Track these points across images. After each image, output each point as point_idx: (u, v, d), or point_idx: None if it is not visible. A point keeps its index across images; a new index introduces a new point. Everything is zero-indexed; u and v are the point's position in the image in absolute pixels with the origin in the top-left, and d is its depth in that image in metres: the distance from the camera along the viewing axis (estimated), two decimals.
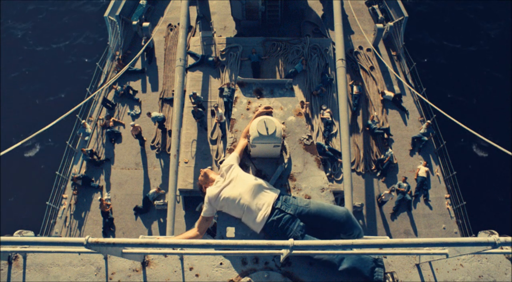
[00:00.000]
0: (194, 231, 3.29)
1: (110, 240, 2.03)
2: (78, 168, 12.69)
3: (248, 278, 2.95)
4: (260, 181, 3.29)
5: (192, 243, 2.09)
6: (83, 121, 13.09)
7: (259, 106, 3.94)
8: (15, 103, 17.54)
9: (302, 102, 12.87)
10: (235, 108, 3.99)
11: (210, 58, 13.92)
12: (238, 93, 4.07)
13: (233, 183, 3.29)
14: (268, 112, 3.65)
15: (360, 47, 15.07)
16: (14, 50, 19.19)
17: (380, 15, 15.65)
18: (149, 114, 13.05)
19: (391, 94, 13.81)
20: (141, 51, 12.96)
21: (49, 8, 20.84)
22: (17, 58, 18.94)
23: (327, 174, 11.97)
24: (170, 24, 15.73)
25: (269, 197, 3.19)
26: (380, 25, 14.64)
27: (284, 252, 2.27)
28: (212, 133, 12.85)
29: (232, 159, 3.50)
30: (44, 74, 18.33)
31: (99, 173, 12.74)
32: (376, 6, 16.09)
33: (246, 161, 3.68)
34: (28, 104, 17.51)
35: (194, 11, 15.73)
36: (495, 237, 1.96)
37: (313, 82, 13.64)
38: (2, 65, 18.57)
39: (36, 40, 19.56)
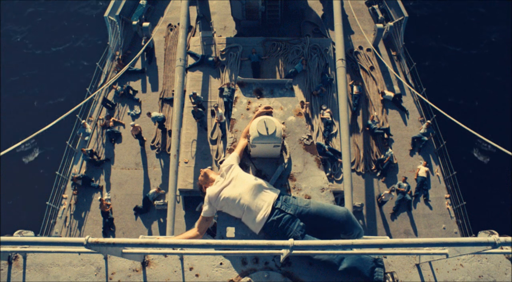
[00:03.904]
0: (194, 231, 3.29)
1: (110, 240, 2.03)
2: (78, 168, 12.69)
3: (248, 278, 2.95)
4: (260, 181, 3.29)
5: (192, 243, 2.09)
6: (83, 121, 13.09)
7: (259, 106, 3.93)
8: (15, 104, 17.53)
9: (302, 102, 12.86)
10: (235, 108, 3.99)
11: (210, 58, 13.92)
12: (238, 93, 4.07)
13: (233, 183, 3.29)
14: (268, 112, 3.65)
15: (360, 47, 15.07)
16: (13, 51, 19.18)
17: (380, 15, 15.65)
18: (149, 114, 13.05)
19: (391, 94, 13.81)
20: (141, 51, 12.96)
21: (48, 10, 20.83)
22: (17, 59, 18.93)
23: (327, 174, 11.97)
24: (170, 24, 15.73)
25: (269, 197, 3.19)
26: (380, 25, 14.64)
27: (284, 252, 2.27)
28: (212, 133, 12.85)
29: (232, 159, 3.50)
30: (44, 75, 18.34)
31: (99, 173, 12.74)
32: (376, 6, 16.09)
33: (246, 161, 3.68)
34: (28, 104, 17.51)
35: (194, 11, 15.73)
36: (495, 237, 1.96)
37: (313, 82, 13.64)
38: (2, 66, 18.57)
39: (35, 41, 19.56)
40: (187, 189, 11.70)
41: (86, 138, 13.12)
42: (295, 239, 2.46)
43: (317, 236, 3.13)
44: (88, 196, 12.35)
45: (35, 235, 3.03)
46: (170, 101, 13.79)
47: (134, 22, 14.92)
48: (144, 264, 3.02)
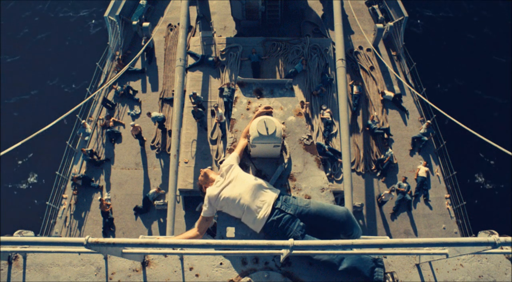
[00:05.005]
0: (194, 231, 3.29)
1: (110, 240, 2.03)
2: (78, 168, 12.69)
3: (248, 278, 2.95)
4: (260, 181, 3.29)
5: (192, 243, 2.09)
6: (83, 121, 13.09)
7: (259, 106, 3.93)
8: (15, 103, 17.53)
9: (302, 102, 12.86)
10: (235, 108, 3.99)
11: (210, 58, 13.92)
12: (238, 93, 4.07)
13: (233, 183, 3.29)
14: (268, 112, 3.65)
15: (360, 47, 15.06)
16: (13, 50, 19.17)
17: (380, 15, 15.64)
18: (149, 114, 13.05)
19: (391, 94, 13.81)
20: (141, 51, 12.96)
21: (48, 8, 20.83)
22: (17, 58, 18.92)
23: (327, 174, 11.97)
24: (170, 24, 15.73)
25: (269, 197, 3.19)
26: (380, 25, 14.63)
27: (284, 252, 2.27)
28: (212, 133, 12.85)
29: (232, 159, 3.50)
30: (44, 74, 18.33)
31: (99, 173, 12.74)
32: (376, 6, 16.08)
33: (246, 161, 3.68)
34: (28, 104, 17.51)
35: (194, 11, 15.73)
36: (495, 237, 1.96)
37: (313, 82, 13.64)
38: (2, 64, 18.57)
39: (35, 40, 19.55)
40: (187, 189, 11.70)
41: (86, 138, 13.12)
42: (295, 239, 2.46)
43: (317, 236, 3.13)
44: (88, 196, 12.35)
45: (35, 235, 3.04)
46: (170, 101, 13.78)
47: (134, 22, 14.91)
48: (144, 264, 3.03)
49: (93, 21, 20.11)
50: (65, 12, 20.71)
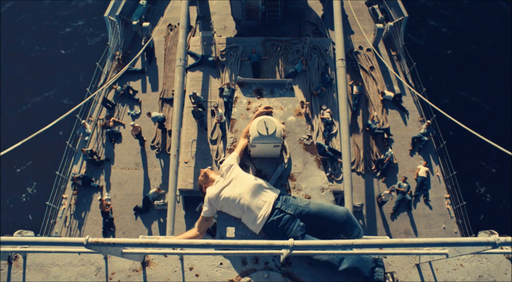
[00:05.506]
0: (194, 231, 3.29)
1: (110, 240, 2.03)
2: (78, 168, 12.69)
3: (248, 278, 2.95)
4: (260, 181, 3.29)
5: (192, 243, 2.09)
6: (83, 121, 13.08)
7: (259, 106, 3.93)
8: (15, 104, 17.53)
9: (302, 102, 12.86)
10: (235, 108, 3.99)
11: (210, 58, 13.92)
12: (238, 93, 4.07)
13: (233, 183, 3.29)
14: (268, 112, 3.65)
15: (360, 47, 15.06)
16: (14, 49, 19.17)
17: (380, 15, 15.64)
18: (149, 114, 13.05)
19: (391, 94, 13.80)
20: (141, 51, 12.95)
21: (48, 7, 20.83)
22: (17, 59, 18.92)
23: (327, 174, 11.97)
24: (170, 24, 15.73)
25: (269, 197, 3.19)
26: (380, 25, 14.63)
27: (284, 252, 2.27)
28: (212, 133, 12.85)
29: (232, 159, 3.50)
30: (44, 74, 18.32)
31: (99, 173, 12.74)
32: (376, 6, 16.08)
33: (246, 161, 3.68)
34: (28, 104, 17.51)
35: (194, 11, 15.73)
36: (495, 237, 1.96)
37: (313, 82, 13.64)
38: (2, 63, 18.56)
39: (35, 39, 19.55)
40: (187, 189, 11.70)
41: (86, 138, 13.12)
42: (295, 239, 2.46)
43: (317, 236, 3.13)
44: (88, 196, 12.35)
45: (35, 235, 3.03)
46: (170, 101, 13.78)
47: (134, 22, 14.91)
48: (144, 264, 3.03)
49: (93, 21, 20.08)
50: (64, 11, 20.69)
